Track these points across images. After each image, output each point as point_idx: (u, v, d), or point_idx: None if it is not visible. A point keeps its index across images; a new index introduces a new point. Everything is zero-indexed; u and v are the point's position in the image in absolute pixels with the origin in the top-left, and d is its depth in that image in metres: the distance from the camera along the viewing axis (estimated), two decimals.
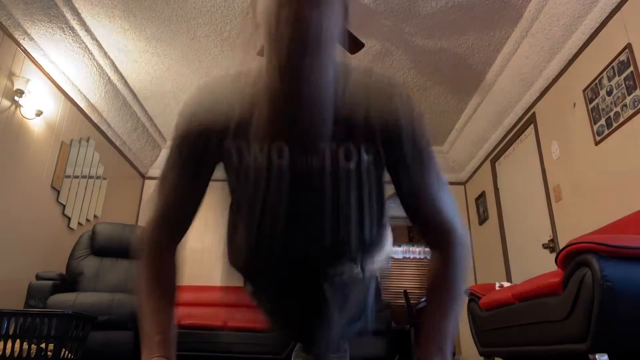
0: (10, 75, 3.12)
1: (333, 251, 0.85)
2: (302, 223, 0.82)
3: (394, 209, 0.92)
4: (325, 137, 0.78)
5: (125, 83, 4.05)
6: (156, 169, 5.28)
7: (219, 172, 0.87)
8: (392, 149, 0.81)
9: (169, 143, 1.20)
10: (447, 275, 0.86)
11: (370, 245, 0.89)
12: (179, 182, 0.85)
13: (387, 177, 0.87)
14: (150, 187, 5.25)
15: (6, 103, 3.08)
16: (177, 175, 0.85)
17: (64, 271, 3.46)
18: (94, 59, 3.64)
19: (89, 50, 3.54)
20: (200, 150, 0.83)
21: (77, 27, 3.31)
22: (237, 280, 0.97)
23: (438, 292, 0.86)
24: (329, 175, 0.79)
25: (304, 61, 0.70)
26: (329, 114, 0.77)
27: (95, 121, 4.17)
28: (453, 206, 0.88)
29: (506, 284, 2.77)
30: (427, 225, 0.88)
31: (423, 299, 4.43)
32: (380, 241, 0.92)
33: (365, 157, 0.81)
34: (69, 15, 3.21)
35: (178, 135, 0.84)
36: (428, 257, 0.93)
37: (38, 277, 3.10)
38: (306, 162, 0.79)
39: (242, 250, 0.88)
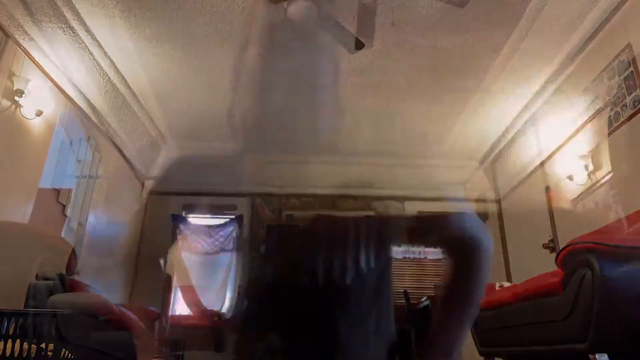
0: (10, 75, 3.11)
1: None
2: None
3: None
4: None
5: (125, 83, 4.04)
6: (156, 169, 5.27)
7: None
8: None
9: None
10: (464, 281, 0.82)
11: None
12: None
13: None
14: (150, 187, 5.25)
15: (6, 103, 3.08)
16: None
17: (64, 271, 3.46)
18: (94, 59, 3.64)
19: (89, 50, 3.53)
20: None
21: (77, 27, 3.31)
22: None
23: (452, 297, 0.83)
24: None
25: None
26: None
27: (95, 121, 4.16)
28: (471, 216, 0.86)
29: (506, 284, 2.77)
30: (445, 241, 0.86)
31: (423, 299, 4.43)
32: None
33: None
34: (69, 15, 3.21)
35: None
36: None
37: (38, 277, 3.09)
38: None
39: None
